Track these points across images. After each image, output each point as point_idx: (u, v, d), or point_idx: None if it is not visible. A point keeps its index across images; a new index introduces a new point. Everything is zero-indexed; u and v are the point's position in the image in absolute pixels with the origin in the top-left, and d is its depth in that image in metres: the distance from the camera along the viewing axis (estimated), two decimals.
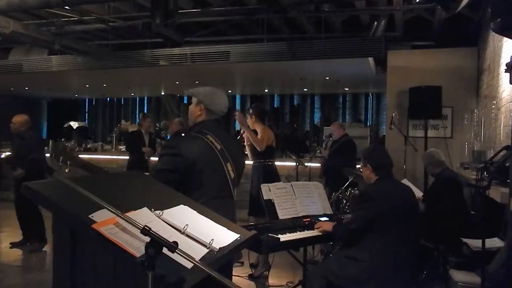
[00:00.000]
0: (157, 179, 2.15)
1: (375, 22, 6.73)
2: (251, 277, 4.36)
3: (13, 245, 5.15)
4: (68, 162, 2.28)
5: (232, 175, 2.39)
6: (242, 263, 4.52)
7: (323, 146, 6.61)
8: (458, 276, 3.22)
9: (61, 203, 1.46)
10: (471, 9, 6.08)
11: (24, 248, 5.07)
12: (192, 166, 2.24)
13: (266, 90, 12.63)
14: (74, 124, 11.93)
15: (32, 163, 4.71)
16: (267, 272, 4.40)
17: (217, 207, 1.99)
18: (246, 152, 4.66)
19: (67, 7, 6.38)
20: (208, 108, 2.44)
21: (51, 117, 14.94)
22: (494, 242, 3.21)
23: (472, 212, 4.17)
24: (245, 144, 4.57)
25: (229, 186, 2.38)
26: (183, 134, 5.64)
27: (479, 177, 2.71)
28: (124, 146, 8.64)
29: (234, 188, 2.43)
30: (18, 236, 5.18)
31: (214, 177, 2.31)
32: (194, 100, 2.49)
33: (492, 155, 3.18)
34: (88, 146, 9.54)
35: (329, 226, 3.07)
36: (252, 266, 4.49)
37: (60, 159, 2.25)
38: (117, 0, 6.28)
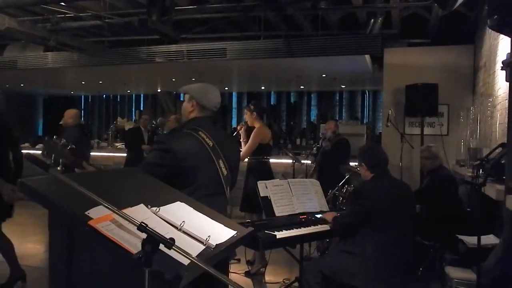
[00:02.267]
0: (144, 171, 2.17)
1: (372, 20, 6.73)
2: (247, 274, 4.37)
3: None
4: (61, 160, 2.26)
5: (225, 172, 2.37)
6: (239, 260, 4.52)
7: (321, 144, 6.59)
8: (454, 272, 3.24)
9: (57, 200, 1.46)
10: (467, 7, 6.09)
11: None
12: (182, 162, 2.23)
13: (263, 88, 12.63)
14: None
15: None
16: (263, 269, 4.41)
17: (209, 204, 1.98)
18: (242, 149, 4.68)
19: (62, 4, 6.34)
20: (200, 103, 2.43)
21: (47, 114, 14.88)
22: (489, 239, 3.23)
23: (468, 209, 4.19)
24: (241, 141, 4.58)
25: (222, 183, 2.36)
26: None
27: (475, 174, 2.72)
28: (123, 144, 8.62)
29: (227, 185, 2.41)
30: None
31: (205, 174, 2.29)
32: (186, 97, 2.49)
33: (488, 153, 3.19)
34: None
35: (330, 217, 3.15)
36: (248, 263, 4.50)
37: (52, 157, 2.23)
38: None
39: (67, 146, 2.32)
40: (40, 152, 2.40)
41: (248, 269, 4.42)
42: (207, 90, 2.48)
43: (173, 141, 2.32)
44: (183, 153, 2.24)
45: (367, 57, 7.10)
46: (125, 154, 7.49)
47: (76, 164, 2.32)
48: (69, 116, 5.11)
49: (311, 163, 6.34)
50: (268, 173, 4.40)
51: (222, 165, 2.35)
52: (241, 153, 4.28)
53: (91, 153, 8.31)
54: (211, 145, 2.32)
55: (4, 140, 3.84)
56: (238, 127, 4.62)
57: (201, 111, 2.44)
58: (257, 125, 4.50)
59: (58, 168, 2.23)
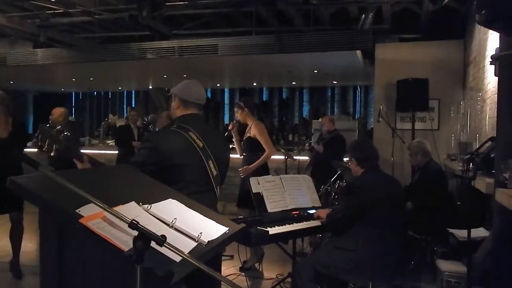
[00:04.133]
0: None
1: (363, 15, 6.75)
2: (241, 269, 4.38)
3: None
4: (54, 146, 2.24)
5: (215, 173, 2.37)
6: (232, 256, 4.53)
7: (315, 140, 6.61)
8: (445, 265, 3.28)
9: (47, 198, 1.45)
10: (457, 2, 6.13)
11: None
12: (169, 160, 2.23)
13: (255, 84, 12.61)
14: None
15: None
16: (258, 264, 4.42)
17: (198, 201, 1.97)
18: (235, 146, 4.67)
19: None
20: (181, 98, 2.42)
21: (37, 111, 14.74)
22: (479, 232, 3.27)
23: (458, 202, 4.23)
24: (234, 140, 4.56)
25: (211, 183, 2.36)
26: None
27: (465, 168, 2.74)
28: (113, 140, 8.57)
29: (217, 184, 2.40)
30: None
31: (193, 173, 2.29)
32: (173, 97, 2.50)
33: (477, 147, 3.22)
34: None
35: (324, 214, 3.16)
36: (245, 263, 4.48)
37: (47, 142, 2.21)
38: None
39: (61, 132, 2.29)
40: (30, 149, 2.38)
41: (241, 265, 4.42)
42: (188, 84, 2.48)
43: (160, 139, 2.32)
44: (170, 151, 2.25)
45: (359, 52, 7.12)
46: (116, 151, 7.45)
47: (70, 152, 2.29)
48: (58, 114, 5.11)
49: (308, 158, 6.37)
50: (264, 169, 4.39)
51: (212, 165, 2.34)
52: (266, 153, 4.30)
53: (84, 151, 8.30)
54: (201, 146, 2.31)
55: (20, 141, 3.95)
56: (230, 127, 4.58)
57: (186, 108, 2.43)
58: (250, 121, 4.46)
59: (52, 154, 2.22)
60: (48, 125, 2.35)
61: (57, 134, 2.25)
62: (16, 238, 4.11)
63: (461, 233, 3.24)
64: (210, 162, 2.34)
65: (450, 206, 4.11)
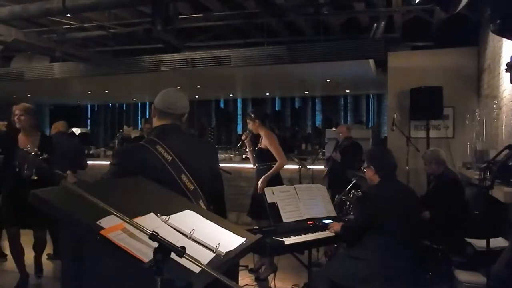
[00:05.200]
0: None
1: (375, 24, 6.75)
2: (256, 279, 4.36)
3: None
4: (34, 170, 2.28)
5: (191, 187, 2.14)
6: (247, 266, 4.52)
7: (327, 150, 6.61)
8: (463, 276, 3.23)
9: (69, 210, 1.48)
10: (470, 9, 6.09)
11: None
12: (131, 175, 2.05)
13: (267, 94, 12.66)
14: (77, 130, 11.97)
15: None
16: (273, 275, 4.40)
17: None
18: (249, 156, 4.69)
19: (68, 15, 6.42)
20: (155, 107, 2.27)
21: (54, 124, 14.95)
22: (498, 242, 3.21)
23: (475, 212, 4.17)
24: (247, 150, 4.59)
25: (189, 199, 2.12)
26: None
27: (482, 177, 2.71)
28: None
29: (197, 199, 2.16)
30: None
31: None
32: None
33: (494, 155, 3.18)
34: (91, 152, 9.57)
35: (338, 227, 3.13)
36: (252, 271, 4.49)
37: (25, 167, 2.26)
38: (118, 7, 6.31)
39: (39, 156, 2.33)
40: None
41: (256, 275, 4.41)
42: (164, 93, 2.31)
43: (121, 155, 2.22)
44: (131, 167, 2.09)
45: (371, 61, 7.11)
46: None
47: (51, 174, 2.32)
48: (55, 127, 5.29)
49: (325, 167, 6.36)
50: (277, 179, 4.39)
51: (185, 179, 2.14)
52: (277, 163, 4.31)
53: (99, 162, 8.38)
54: (169, 160, 2.11)
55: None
56: (243, 137, 4.62)
57: (161, 117, 2.26)
58: (262, 132, 4.49)
59: (35, 178, 2.25)
60: (25, 149, 2.37)
61: (35, 158, 2.28)
62: (40, 250, 4.27)
63: (479, 243, 3.19)
64: (183, 176, 2.13)
65: (467, 215, 4.05)
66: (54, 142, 4.20)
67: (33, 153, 2.34)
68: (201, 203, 2.18)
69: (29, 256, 4.24)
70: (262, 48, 7.40)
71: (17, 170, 2.29)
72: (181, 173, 2.13)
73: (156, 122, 2.28)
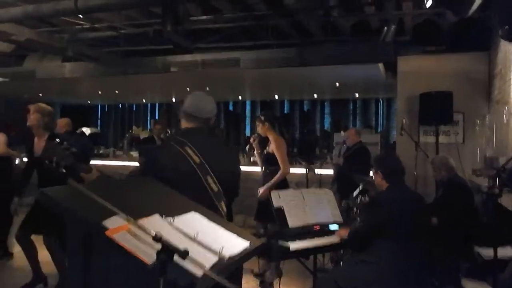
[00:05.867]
0: None
1: (385, 28, 6.72)
2: (261, 284, 4.35)
3: None
4: (60, 163, 2.29)
5: (215, 189, 2.23)
6: (252, 270, 4.51)
7: (336, 153, 6.57)
8: (470, 285, 3.19)
9: (75, 210, 1.49)
10: (481, 13, 6.03)
11: None
12: (160, 173, 2.14)
13: (276, 96, 12.66)
14: (87, 130, 12.07)
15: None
16: (278, 279, 4.38)
17: None
18: (256, 160, 4.68)
19: (79, 15, 6.49)
20: (186, 111, 2.33)
21: None
22: (506, 251, 3.17)
23: (484, 219, 4.12)
24: (255, 152, 4.58)
25: (211, 199, 2.21)
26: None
27: (491, 184, 2.69)
28: (137, 152, 8.70)
29: (219, 200, 2.25)
30: None
31: (188, 190, 2.11)
32: None
33: (504, 162, 3.15)
34: (100, 152, 9.63)
35: (345, 233, 3.11)
36: (257, 276, 4.47)
37: (54, 160, 2.27)
38: (129, 8, 6.36)
39: (68, 149, 2.35)
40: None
41: (261, 280, 4.40)
42: (195, 98, 2.38)
43: (152, 153, 2.31)
44: (161, 165, 2.18)
45: (381, 65, 7.08)
46: None
47: (78, 168, 2.34)
48: (62, 125, 5.26)
49: (333, 171, 6.33)
50: (283, 183, 4.37)
51: (211, 181, 2.22)
52: (280, 172, 4.28)
53: (108, 162, 8.45)
54: (198, 162, 2.20)
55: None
56: (251, 139, 4.61)
57: (189, 121, 2.34)
58: (270, 135, 4.47)
59: (64, 171, 2.26)
60: (55, 142, 2.37)
61: (64, 151, 2.30)
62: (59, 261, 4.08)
63: (487, 252, 3.15)
64: (209, 177, 2.22)
65: (475, 222, 4.01)
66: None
67: (62, 146, 2.36)
68: (222, 204, 2.26)
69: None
70: (272, 50, 7.40)
71: (46, 162, 2.27)
72: (207, 175, 2.21)
73: (183, 125, 2.37)
